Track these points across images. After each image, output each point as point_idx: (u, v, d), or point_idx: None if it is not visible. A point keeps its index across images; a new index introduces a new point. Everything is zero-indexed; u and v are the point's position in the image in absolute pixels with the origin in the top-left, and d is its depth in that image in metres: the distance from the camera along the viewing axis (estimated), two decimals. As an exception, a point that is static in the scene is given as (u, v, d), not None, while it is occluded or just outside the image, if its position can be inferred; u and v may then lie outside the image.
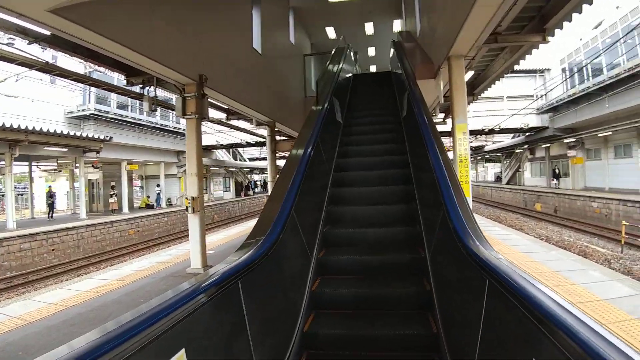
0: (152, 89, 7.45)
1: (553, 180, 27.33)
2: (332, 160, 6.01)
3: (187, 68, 6.49)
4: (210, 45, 7.37)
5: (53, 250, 16.39)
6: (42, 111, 20.04)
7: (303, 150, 4.33)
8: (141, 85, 7.55)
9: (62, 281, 12.68)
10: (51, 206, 20.41)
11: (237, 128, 17.85)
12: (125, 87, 9.45)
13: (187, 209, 6.63)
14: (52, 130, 16.65)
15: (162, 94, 8.06)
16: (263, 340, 2.49)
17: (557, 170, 27.34)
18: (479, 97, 14.18)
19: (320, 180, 5.16)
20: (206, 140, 29.28)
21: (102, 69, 9.89)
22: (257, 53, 10.06)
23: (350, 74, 11.22)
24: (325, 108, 5.81)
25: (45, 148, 17.92)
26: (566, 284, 5.14)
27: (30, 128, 15.44)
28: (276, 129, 11.71)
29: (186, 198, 6.60)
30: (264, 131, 11.89)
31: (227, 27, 8.25)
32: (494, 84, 12.66)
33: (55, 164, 24.29)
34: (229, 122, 13.84)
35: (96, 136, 19.39)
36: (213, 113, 13.48)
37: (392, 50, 11.78)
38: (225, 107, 10.66)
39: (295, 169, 3.87)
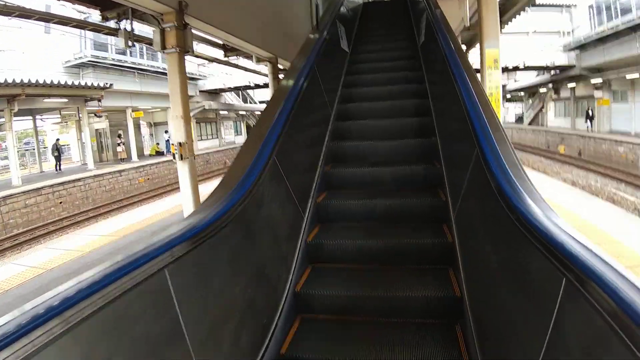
0: (130, 23, 6.49)
1: (586, 122, 24.79)
2: (335, 91, 5.16)
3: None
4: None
5: (60, 203, 16.16)
6: (38, 63, 19.14)
7: (293, 81, 3.48)
8: (116, 20, 6.61)
9: (67, 233, 12.47)
10: (57, 159, 20.05)
11: (235, 66, 16.41)
12: (100, 23, 8.41)
13: (174, 157, 5.93)
14: (49, 82, 15.87)
15: (148, 30, 7.02)
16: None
17: (590, 112, 24.72)
18: (505, 26, 12.66)
19: (320, 113, 4.35)
20: (213, 84, 28.26)
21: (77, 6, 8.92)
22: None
23: (359, 1, 9.91)
24: (326, 32, 4.86)
25: (45, 100, 17.31)
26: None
27: (26, 81, 14.67)
28: (280, 66, 10.63)
29: (172, 144, 5.89)
30: (266, 69, 10.76)
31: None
32: (524, 10, 11.16)
33: (59, 117, 23.80)
34: (226, 59, 12.52)
35: (95, 84, 18.58)
36: (208, 50, 12.38)
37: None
38: (220, 42, 9.52)
39: (280, 105, 3.04)
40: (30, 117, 20.59)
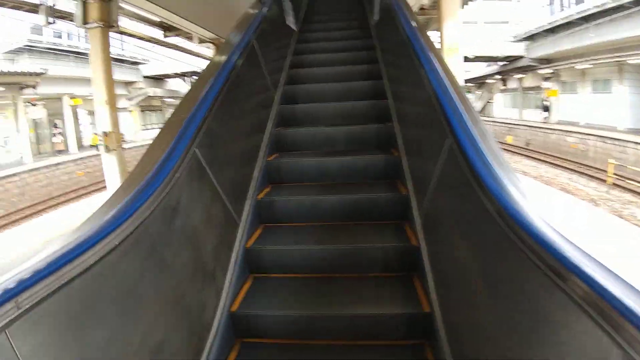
0: None
1: (544, 112, 24.58)
2: (279, 71, 4.64)
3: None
4: None
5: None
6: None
7: (225, 58, 2.89)
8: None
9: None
10: None
11: (175, 47, 14.97)
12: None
13: (96, 148, 5.19)
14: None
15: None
16: None
17: (546, 103, 24.66)
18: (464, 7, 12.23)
19: (260, 96, 3.80)
20: (158, 69, 26.71)
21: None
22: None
23: None
24: (267, 6, 4.28)
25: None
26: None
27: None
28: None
29: (95, 134, 5.15)
30: (209, 52, 9.92)
31: None
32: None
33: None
34: (165, 40, 11.38)
35: (30, 70, 17.03)
36: (146, 30, 11.34)
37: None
38: (157, 19, 8.59)
39: (205, 87, 2.46)
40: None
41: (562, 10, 20.61)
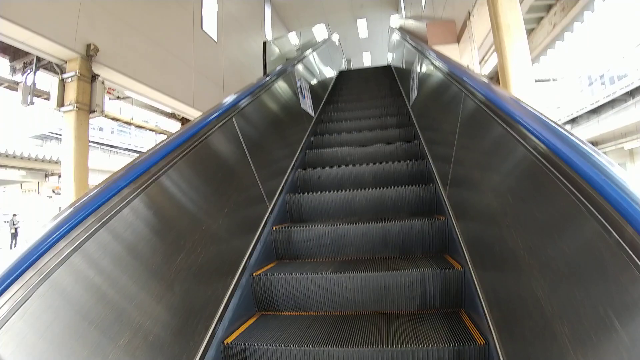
0: (33, 74, 5.00)
1: None
2: (282, 174, 3.25)
3: (64, 33, 4.13)
4: (116, 6, 5.00)
5: None
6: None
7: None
8: (22, 71, 5.14)
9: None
10: (14, 236, 17.71)
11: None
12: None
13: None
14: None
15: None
16: None
17: None
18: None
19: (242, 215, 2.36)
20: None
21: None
22: (209, 39, 7.75)
23: (333, 73, 8.57)
24: (270, 78, 3.30)
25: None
26: None
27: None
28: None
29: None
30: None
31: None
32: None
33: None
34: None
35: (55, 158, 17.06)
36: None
37: (390, 37, 9.39)
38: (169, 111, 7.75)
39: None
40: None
41: (605, 88, 19.69)
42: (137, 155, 1.58)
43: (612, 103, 18.76)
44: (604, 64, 20.98)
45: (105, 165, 20.19)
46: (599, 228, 0.87)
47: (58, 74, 4.39)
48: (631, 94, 17.19)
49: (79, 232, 1.17)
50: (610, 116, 19.08)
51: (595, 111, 20.29)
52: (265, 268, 2.36)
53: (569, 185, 0.98)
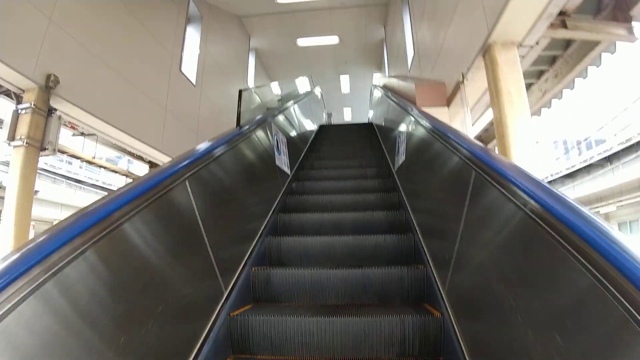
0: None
1: None
2: (249, 241, 2.78)
3: (23, 59, 3.80)
4: (86, 37, 4.74)
5: None
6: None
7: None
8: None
9: None
10: None
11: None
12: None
13: None
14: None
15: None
16: None
17: None
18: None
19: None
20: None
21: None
22: (187, 82, 7.54)
23: (314, 126, 8.39)
24: (240, 131, 2.99)
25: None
26: None
27: None
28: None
29: None
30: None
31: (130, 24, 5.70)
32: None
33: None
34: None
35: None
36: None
37: (373, 94, 9.40)
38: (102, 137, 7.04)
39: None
40: None
41: (580, 154, 20.29)
42: (105, 193, 1.25)
43: (588, 168, 19.19)
44: (583, 130, 21.82)
45: (71, 200, 19.31)
46: (590, 279, 0.89)
47: (16, 104, 4.01)
48: (609, 159, 17.71)
49: None
50: (587, 182, 19.48)
51: (570, 176, 20.81)
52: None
53: (560, 239, 1.01)
